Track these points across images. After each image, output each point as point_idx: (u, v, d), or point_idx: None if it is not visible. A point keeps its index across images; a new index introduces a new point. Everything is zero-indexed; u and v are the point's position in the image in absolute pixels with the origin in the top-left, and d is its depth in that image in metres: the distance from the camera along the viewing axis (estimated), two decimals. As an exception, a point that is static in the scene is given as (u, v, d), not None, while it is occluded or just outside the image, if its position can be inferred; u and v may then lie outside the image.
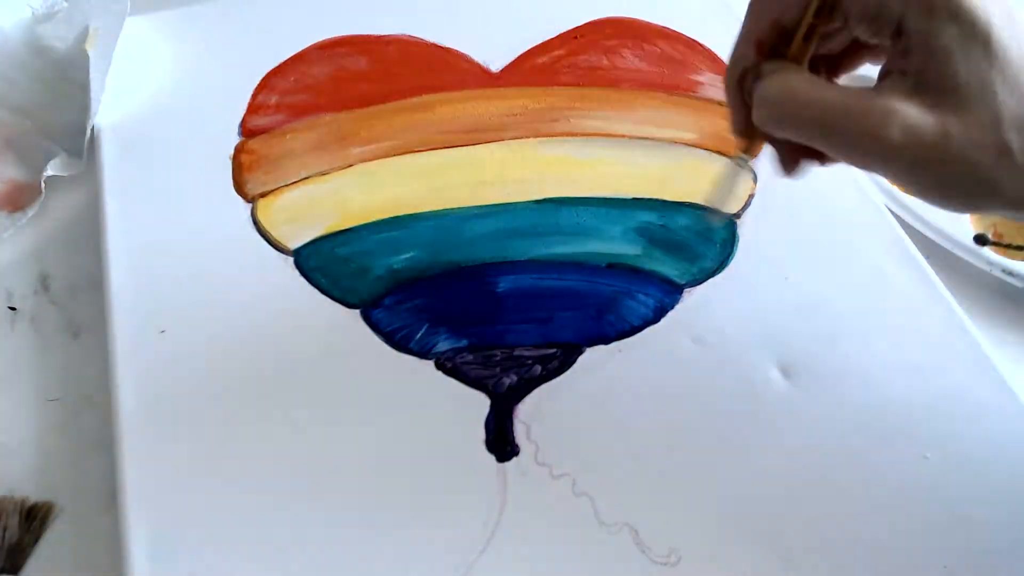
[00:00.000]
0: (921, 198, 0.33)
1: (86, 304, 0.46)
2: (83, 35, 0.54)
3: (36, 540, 0.38)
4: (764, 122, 0.33)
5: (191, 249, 0.46)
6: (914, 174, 0.31)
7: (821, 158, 0.35)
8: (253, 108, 0.52)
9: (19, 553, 0.37)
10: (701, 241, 0.47)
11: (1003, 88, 0.30)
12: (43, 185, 0.49)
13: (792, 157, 0.36)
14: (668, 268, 0.46)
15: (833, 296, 0.45)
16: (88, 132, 0.50)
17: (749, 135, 0.37)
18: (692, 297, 0.45)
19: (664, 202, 0.48)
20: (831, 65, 0.37)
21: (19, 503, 0.38)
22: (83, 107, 0.52)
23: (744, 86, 0.35)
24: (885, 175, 0.33)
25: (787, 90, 0.33)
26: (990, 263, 0.48)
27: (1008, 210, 0.32)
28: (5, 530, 0.38)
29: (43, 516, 0.38)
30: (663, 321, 0.44)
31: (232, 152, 0.50)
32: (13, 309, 0.46)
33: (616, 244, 0.46)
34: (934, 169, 0.31)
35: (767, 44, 0.34)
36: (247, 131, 0.51)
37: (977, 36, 0.30)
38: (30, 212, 0.49)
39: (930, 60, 0.30)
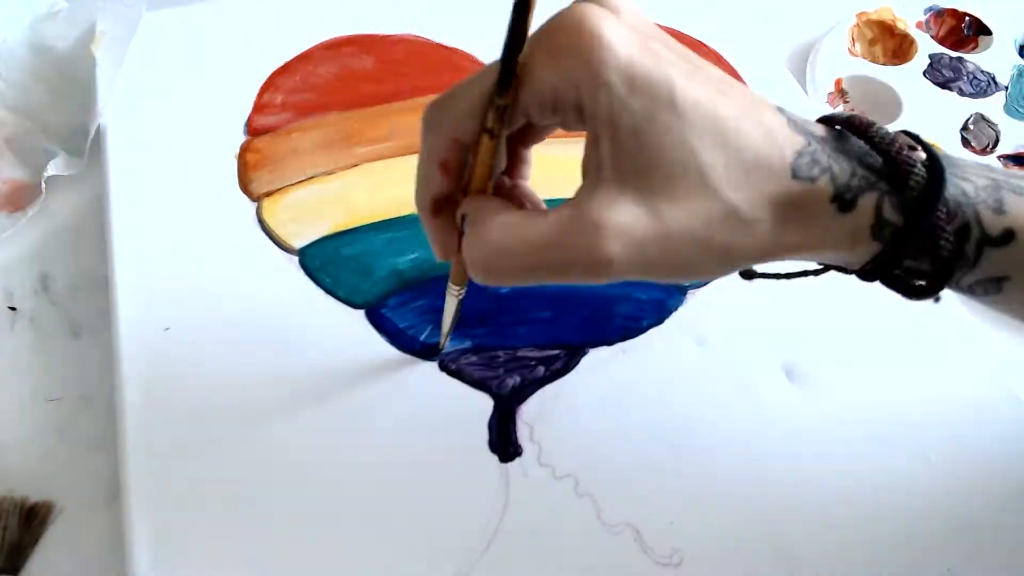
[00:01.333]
0: (662, 282, 0.30)
1: (86, 304, 0.46)
2: (85, 35, 0.54)
3: (36, 540, 0.38)
4: (483, 282, 0.30)
5: (195, 247, 0.46)
6: (648, 274, 0.29)
7: None
8: (259, 107, 0.52)
9: (19, 553, 0.38)
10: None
11: (704, 146, 0.27)
12: (43, 185, 0.49)
13: None
14: (672, 270, 0.46)
15: (837, 298, 0.45)
16: (91, 133, 0.50)
17: (459, 262, 0.34)
18: (696, 298, 0.45)
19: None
20: (522, 137, 0.33)
21: (19, 503, 0.39)
22: (85, 107, 0.52)
23: (437, 214, 0.33)
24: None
25: (486, 246, 0.29)
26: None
27: (759, 261, 0.29)
28: (5, 530, 0.38)
29: (43, 516, 0.38)
30: (667, 322, 0.44)
31: (237, 151, 0.50)
32: (13, 309, 0.46)
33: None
34: (665, 263, 0.28)
35: (452, 164, 0.32)
36: (253, 130, 0.51)
37: (661, 100, 0.27)
38: (30, 212, 0.49)
39: (620, 142, 0.27)
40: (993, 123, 0.56)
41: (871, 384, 0.42)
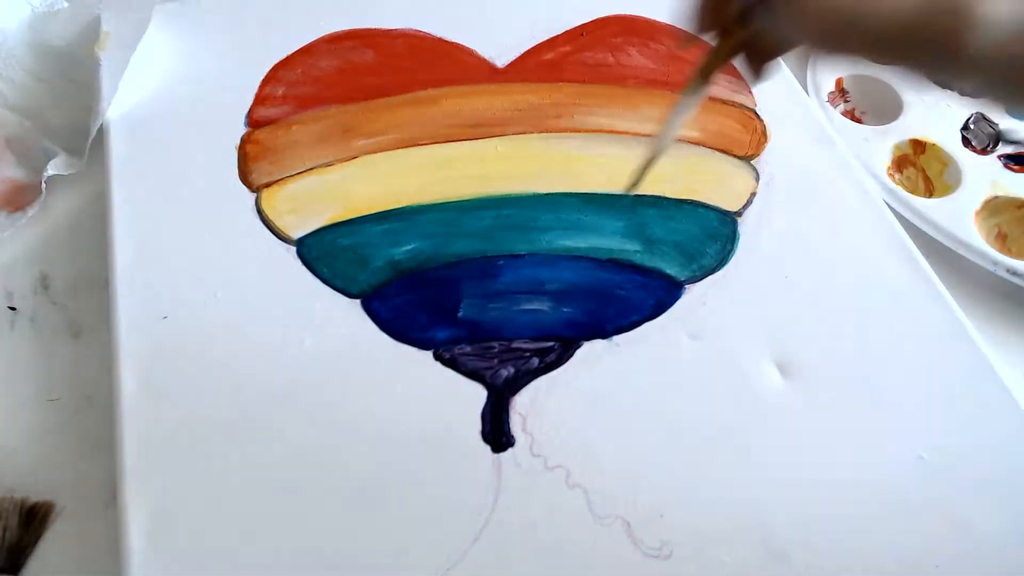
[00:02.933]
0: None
1: (86, 304, 0.46)
2: (86, 34, 0.54)
3: (36, 540, 0.38)
4: (814, 39, 0.27)
5: (195, 237, 0.46)
6: (997, 82, 0.26)
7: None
8: (260, 99, 0.53)
9: (19, 553, 0.38)
10: (702, 239, 0.47)
11: None
12: (44, 185, 0.49)
13: (763, 62, 0.31)
14: (668, 265, 0.46)
15: (832, 295, 0.45)
16: (92, 132, 0.50)
17: (720, 38, 0.30)
18: (691, 294, 0.45)
19: (666, 199, 0.48)
20: None
21: (19, 503, 0.39)
22: (85, 107, 0.52)
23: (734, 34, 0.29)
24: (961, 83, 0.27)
25: (821, 7, 0.26)
26: (994, 263, 0.48)
27: None
28: (5, 530, 0.38)
29: (43, 516, 0.39)
30: (661, 317, 0.44)
31: (238, 142, 0.50)
32: (13, 309, 0.46)
33: (617, 240, 0.46)
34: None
35: None
36: (253, 122, 0.51)
37: None
38: (30, 212, 0.49)
39: None
40: (993, 123, 0.56)
41: (863, 380, 0.42)
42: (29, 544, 0.38)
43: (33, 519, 0.39)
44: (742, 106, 0.53)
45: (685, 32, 0.31)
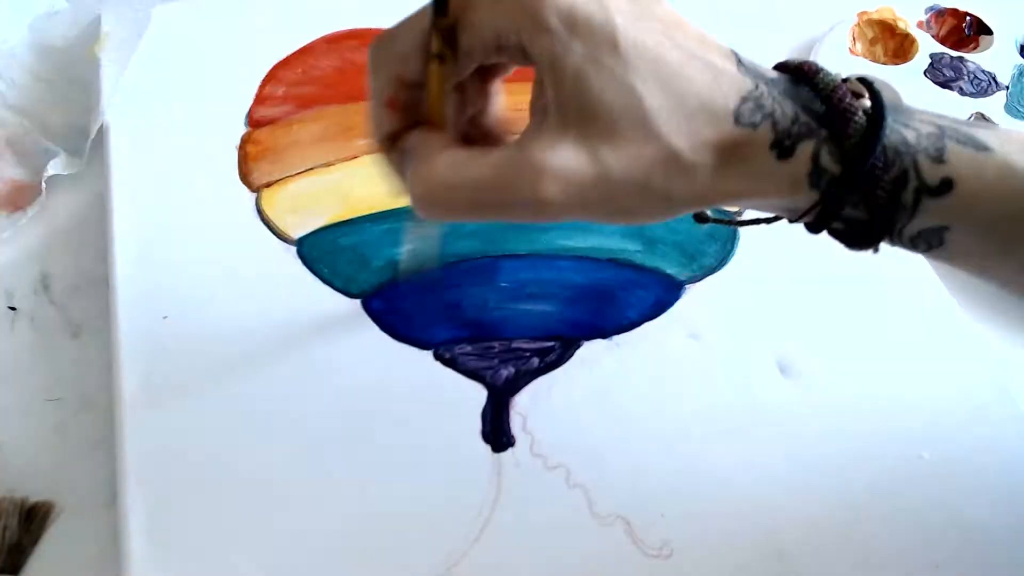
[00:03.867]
0: (603, 223, 0.30)
1: (86, 304, 0.46)
2: (86, 34, 0.54)
3: (36, 540, 0.38)
4: (423, 216, 0.30)
5: (195, 238, 0.46)
6: (588, 215, 0.29)
7: None
8: (260, 99, 0.53)
9: (19, 553, 0.38)
10: (702, 238, 0.47)
11: (647, 90, 0.27)
12: (43, 185, 0.49)
13: None
14: (668, 264, 0.46)
15: (832, 295, 0.45)
16: (92, 133, 0.50)
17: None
18: (691, 294, 0.45)
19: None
20: (484, 75, 0.33)
21: (19, 503, 0.38)
22: (85, 107, 0.52)
23: (390, 151, 0.33)
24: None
25: (430, 179, 0.29)
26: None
27: (698, 207, 0.29)
28: (5, 530, 0.38)
29: (43, 516, 0.38)
30: (662, 317, 0.44)
31: (238, 142, 0.50)
32: (13, 309, 0.46)
33: (617, 240, 0.46)
34: (604, 205, 0.28)
35: (398, 102, 0.31)
36: (254, 122, 0.51)
37: (603, 42, 0.27)
38: (30, 212, 0.49)
39: (562, 84, 0.27)
40: (994, 123, 0.56)
41: (864, 380, 0.42)
42: (29, 544, 0.38)
43: (33, 519, 0.38)
44: (742, 106, 0.53)
45: None
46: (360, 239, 0.46)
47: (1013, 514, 0.38)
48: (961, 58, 0.60)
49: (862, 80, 0.29)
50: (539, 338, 0.43)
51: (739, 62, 0.29)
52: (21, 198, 0.50)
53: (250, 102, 0.52)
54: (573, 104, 0.27)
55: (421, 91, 0.31)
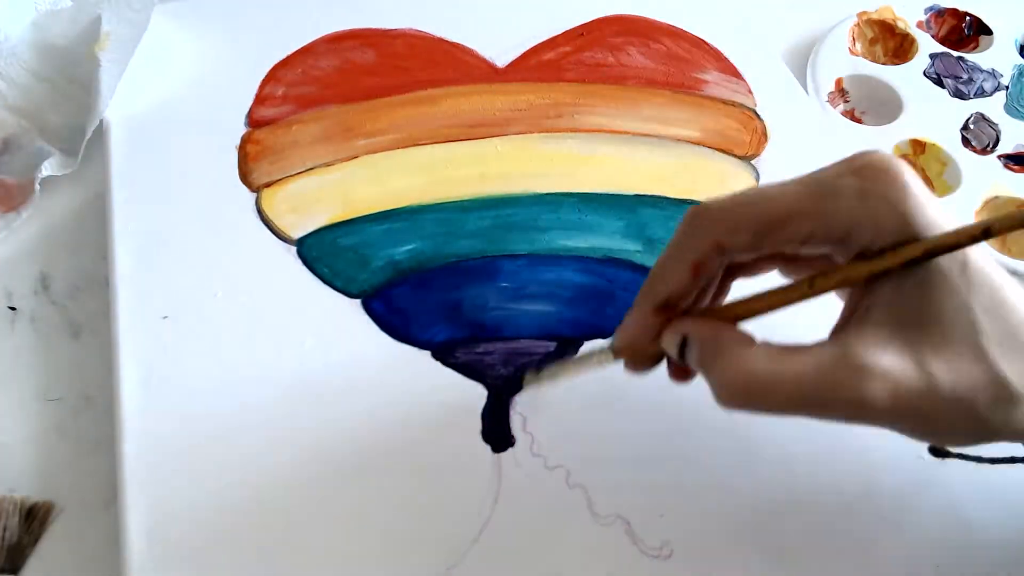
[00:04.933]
0: (920, 440, 0.30)
1: (86, 304, 0.46)
2: (88, 33, 0.54)
3: (36, 540, 0.38)
4: (728, 407, 0.30)
5: (195, 238, 0.46)
6: (905, 428, 0.28)
7: None
8: (260, 99, 0.53)
9: (19, 553, 0.38)
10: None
11: (983, 312, 0.27)
12: (38, 185, 0.49)
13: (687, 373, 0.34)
14: (668, 264, 0.46)
15: (832, 295, 0.45)
16: (88, 133, 0.50)
17: (644, 358, 0.34)
18: (692, 294, 0.45)
19: (667, 199, 0.48)
20: (734, 270, 0.33)
21: (19, 503, 0.39)
22: (85, 107, 0.52)
23: (659, 313, 0.32)
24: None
25: (748, 373, 0.29)
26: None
27: (1012, 440, 0.29)
28: (5, 530, 0.38)
29: (43, 516, 0.39)
30: (662, 317, 0.44)
31: (238, 142, 0.50)
32: (13, 309, 0.46)
33: (617, 240, 0.46)
34: (926, 420, 0.28)
35: (705, 270, 0.31)
36: (254, 121, 0.51)
37: (955, 259, 0.27)
38: (24, 214, 0.49)
39: (902, 294, 0.28)
40: (993, 123, 0.56)
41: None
42: (29, 544, 0.38)
43: (33, 519, 0.38)
44: (742, 106, 0.53)
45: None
46: (360, 239, 0.46)
47: (1014, 514, 0.38)
48: (961, 58, 0.60)
49: None
50: (539, 338, 0.43)
51: None
52: (15, 199, 0.50)
53: (250, 102, 0.52)
54: (909, 312, 0.28)
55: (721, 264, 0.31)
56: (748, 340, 0.30)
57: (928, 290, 0.27)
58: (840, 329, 0.30)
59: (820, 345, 0.29)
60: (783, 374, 0.28)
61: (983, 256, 0.28)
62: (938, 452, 0.34)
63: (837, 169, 0.29)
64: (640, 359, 0.34)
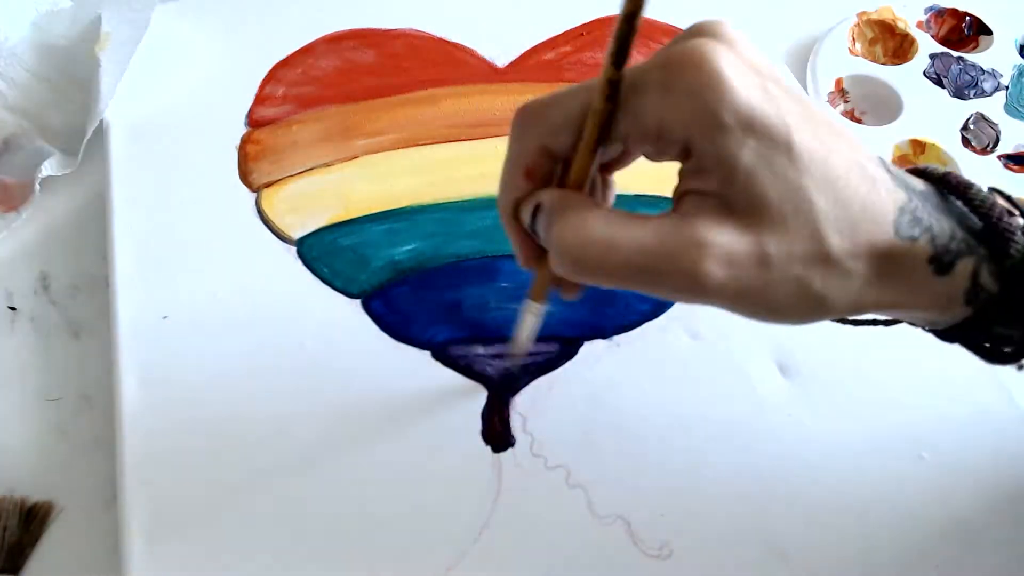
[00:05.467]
0: (750, 318, 0.30)
1: (86, 304, 0.46)
2: (88, 33, 0.54)
3: (36, 540, 0.38)
4: (567, 273, 0.29)
5: (195, 238, 0.46)
6: (740, 304, 0.28)
7: None
8: (260, 99, 0.53)
9: (19, 553, 0.38)
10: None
11: (816, 194, 0.27)
12: (37, 185, 0.49)
13: (575, 287, 0.35)
14: (668, 264, 0.46)
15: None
16: (88, 133, 0.50)
17: (539, 267, 0.34)
18: (691, 294, 0.45)
19: (666, 199, 0.48)
20: (609, 165, 0.33)
21: (19, 503, 0.39)
22: (85, 107, 0.52)
23: (520, 217, 0.32)
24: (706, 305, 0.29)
25: (585, 235, 0.28)
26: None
27: (850, 314, 0.29)
28: (5, 530, 0.38)
29: (43, 516, 0.39)
30: (661, 317, 0.44)
31: (238, 142, 0.50)
32: (13, 309, 0.46)
33: (617, 240, 0.46)
34: (760, 295, 0.28)
35: (538, 172, 0.31)
36: (254, 121, 0.52)
37: (779, 145, 0.27)
38: (24, 214, 0.49)
39: (732, 180, 0.27)
40: (993, 123, 0.56)
41: (864, 380, 0.42)
42: (29, 544, 0.38)
43: (33, 519, 0.38)
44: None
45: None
46: (360, 239, 0.46)
47: (1014, 515, 0.38)
48: (961, 58, 0.60)
49: (999, 192, 0.30)
50: (539, 338, 0.43)
51: (889, 172, 0.29)
52: (15, 199, 0.50)
53: (250, 102, 0.53)
54: (742, 198, 0.27)
55: (557, 164, 0.31)
56: (593, 205, 0.30)
57: (758, 178, 0.27)
58: (678, 208, 0.29)
59: (660, 217, 0.28)
60: (620, 240, 0.28)
61: (809, 135, 0.27)
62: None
63: (647, 63, 0.29)
64: (526, 259, 0.34)
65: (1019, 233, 0.28)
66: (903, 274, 0.28)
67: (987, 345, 0.30)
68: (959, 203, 0.29)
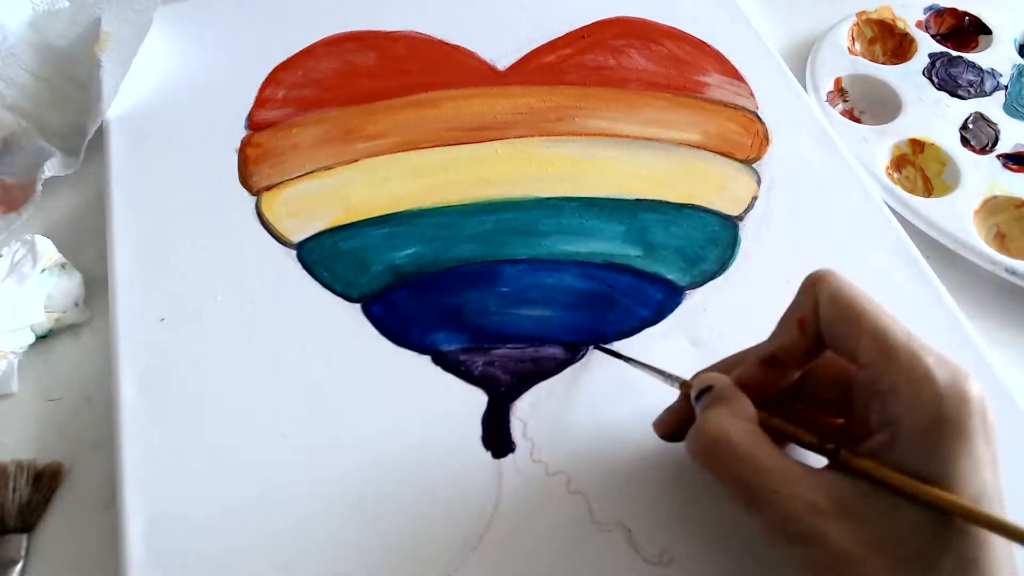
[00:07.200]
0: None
1: (86, 304, 0.46)
2: (87, 34, 0.54)
3: (47, 500, 0.39)
4: (691, 453, 0.33)
5: (195, 240, 0.46)
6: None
7: None
8: (260, 102, 0.53)
9: (31, 511, 0.38)
10: (703, 243, 0.47)
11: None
12: (39, 186, 0.49)
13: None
14: (669, 270, 0.46)
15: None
16: (89, 133, 0.50)
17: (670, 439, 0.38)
18: (692, 299, 0.45)
19: (667, 203, 0.48)
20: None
21: (27, 466, 0.39)
22: (84, 107, 0.52)
23: (763, 365, 0.35)
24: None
25: (722, 440, 0.31)
26: (993, 262, 0.48)
27: None
28: (14, 491, 0.39)
29: (52, 476, 0.39)
30: (662, 323, 0.44)
31: (238, 145, 0.50)
32: None
33: (618, 244, 0.46)
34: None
35: (809, 327, 0.34)
36: (254, 124, 0.51)
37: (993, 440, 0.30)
38: (25, 215, 0.49)
39: (920, 525, 0.29)
40: (992, 122, 0.56)
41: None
42: (40, 503, 0.39)
43: (42, 480, 0.39)
44: (744, 109, 0.53)
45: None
46: (360, 243, 0.46)
47: (1014, 515, 0.38)
48: (960, 58, 0.60)
49: None
50: (539, 343, 0.43)
51: None
52: (16, 199, 0.50)
53: (250, 105, 0.52)
54: (916, 549, 0.29)
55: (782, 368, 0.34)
56: (750, 415, 0.33)
57: (944, 543, 0.29)
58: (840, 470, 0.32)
59: (792, 461, 0.31)
60: (750, 454, 0.31)
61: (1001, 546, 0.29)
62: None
63: (934, 370, 0.31)
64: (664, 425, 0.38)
65: None
66: None
67: None
68: None
